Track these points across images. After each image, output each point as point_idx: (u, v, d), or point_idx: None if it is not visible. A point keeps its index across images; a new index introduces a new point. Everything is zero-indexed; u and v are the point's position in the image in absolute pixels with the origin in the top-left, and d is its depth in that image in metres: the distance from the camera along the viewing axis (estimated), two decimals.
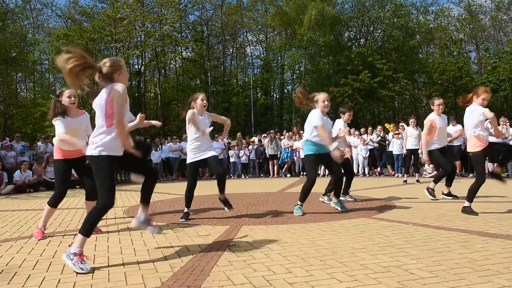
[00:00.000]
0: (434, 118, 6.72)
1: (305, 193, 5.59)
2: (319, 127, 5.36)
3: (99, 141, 3.25)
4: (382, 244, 3.71)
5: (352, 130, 15.38)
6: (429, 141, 6.76)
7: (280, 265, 3.10)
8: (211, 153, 5.29)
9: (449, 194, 6.88)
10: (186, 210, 5.38)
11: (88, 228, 3.25)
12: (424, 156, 6.95)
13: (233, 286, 2.68)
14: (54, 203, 4.61)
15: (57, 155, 4.60)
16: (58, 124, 4.41)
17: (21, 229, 5.13)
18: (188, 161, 5.35)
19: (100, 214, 3.31)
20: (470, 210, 5.19)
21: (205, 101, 5.32)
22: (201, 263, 3.23)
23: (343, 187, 6.97)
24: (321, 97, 5.65)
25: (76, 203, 7.64)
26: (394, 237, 3.99)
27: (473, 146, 5.27)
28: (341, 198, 6.87)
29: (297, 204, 5.63)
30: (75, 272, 3.05)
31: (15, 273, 3.13)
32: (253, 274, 2.90)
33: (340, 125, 6.87)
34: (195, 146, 5.26)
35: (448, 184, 6.89)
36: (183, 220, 5.24)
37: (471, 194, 5.27)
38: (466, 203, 5.27)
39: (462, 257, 3.20)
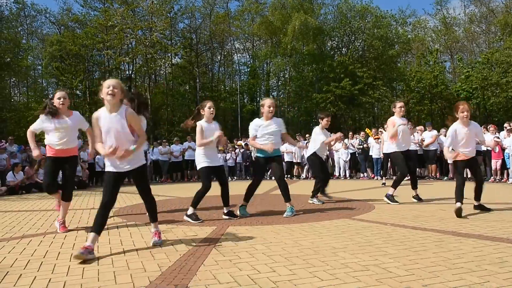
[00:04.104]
0: (395, 119, 6.78)
1: (248, 193, 5.87)
2: (250, 138, 5.72)
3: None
4: (362, 243, 3.78)
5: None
6: (391, 143, 6.84)
7: (265, 264, 3.14)
8: (220, 162, 5.57)
9: (416, 196, 7.03)
10: (193, 210, 5.34)
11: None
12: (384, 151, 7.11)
13: (219, 285, 2.70)
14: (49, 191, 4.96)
15: (48, 152, 4.81)
16: (37, 122, 4.75)
17: (13, 229, 5.07)
18: (202, 165, 5.34)
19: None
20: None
21: (212, 109, 5.38)
22: (188, 262, 3.25)
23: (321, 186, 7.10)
24: (266, 102, 5.67)
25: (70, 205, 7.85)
26: (373, 237, 4.07)
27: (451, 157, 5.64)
28: (318, 196, 7.09)
29: (242, 205, 5.79)
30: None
31: (7, 272, 3.13)
32: (238, 273, 2.95)
33: (318, 132, 7.01)
34: (204, 152, 5.33)
35: (414, 186, 7.04)
36: (200, 221, 5.21)
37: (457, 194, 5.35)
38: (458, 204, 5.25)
39: (437, 256, 3.28)
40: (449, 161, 5.50)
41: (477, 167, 5.80)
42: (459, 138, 5.42)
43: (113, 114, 3.68)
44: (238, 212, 5.73)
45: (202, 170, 5.36)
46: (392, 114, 7.05)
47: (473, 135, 5.50)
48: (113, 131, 3.67)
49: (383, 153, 11.18)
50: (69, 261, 3.42)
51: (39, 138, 16.88)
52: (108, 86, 3.64)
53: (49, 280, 2.92)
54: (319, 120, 7.21)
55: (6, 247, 4.06)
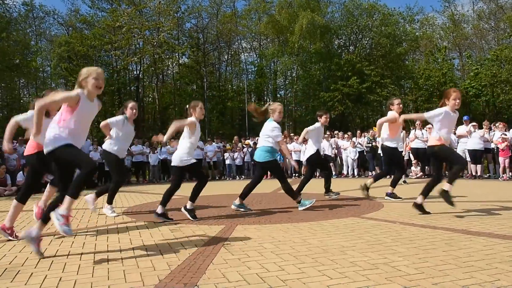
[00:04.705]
0: (395, 115, 6.77)
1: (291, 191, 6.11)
2: (282, 141, 6.02)
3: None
4: (370, 242, 3.80)
5: (341, 134, 16.47)
6: (391, 138, 6.87)
7: (274, 263, 3.16)
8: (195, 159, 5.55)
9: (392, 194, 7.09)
10: (191, 205, 5.44)
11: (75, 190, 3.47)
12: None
13: (228, 284, 2.70)
14: (21, 197, 4.55)
15: (31, 150, 4.49)
16: (26, 114, 4.45)
17: (23, 229, 5.02)
18: (192, 162, 5.37)
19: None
20: (448, 196, 5.08)
21: (203, 110, 5.51)
22: (197, 261, 3.28)
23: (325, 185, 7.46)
24: (279, 107, 6.09)
25: (76, 204, 7.42)
26: (382, 235, 4.08)
27: (434, 140, 5.32)
28: (325, 196, 7.43)
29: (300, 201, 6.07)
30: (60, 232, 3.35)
31: (18, 271, 3.17)
32: (247, 272, 2.96)
33: (317, 128, 7.27)
34: (190, 150, 5.36)
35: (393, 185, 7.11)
36: (196, 219, 5.29)
37: (452, 177, 5.19)
38: (446, 186, 5.12)
39: (446, 254, 3.29)
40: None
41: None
42: (445, 123, 5.24)
43: (92, 103, 3.69)
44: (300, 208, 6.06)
45: (193, 167, 5.40)
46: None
47: (454, 124, 5.39)
48: (88, 119, 3.72)
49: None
50: (80, 260, 3.46)
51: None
52: (97, 77, 3.59)
53: (60, 278, 2.95)
54: (318, 117, 7.44)
55: (17, 246, 4.10)
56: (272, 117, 6.10)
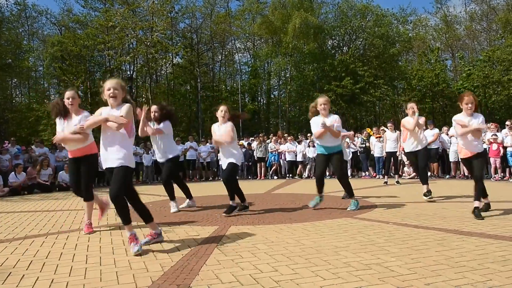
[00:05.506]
0: (408, 119, 7.15)
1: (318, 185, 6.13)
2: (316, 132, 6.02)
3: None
4: (364, 242, 3.82)
5: None
6: (407, 140, 7.16)
7: (267, 264, 3.17)
8: (225, 162, 5.86)
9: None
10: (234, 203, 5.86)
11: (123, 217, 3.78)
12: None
13: (222, 285, 2.72)
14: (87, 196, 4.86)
15: (68, 154, 4.96)
16: (57, 125, 4.79)
17: (15, 230, 5.12)
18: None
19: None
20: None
21: (223, 112, 5.87)
22: (190, 262, 3.29)
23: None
24: (319, 100, 6.05)
25: (69, 205, 7.83)
26: (375, 235, 4.11)
27: (460, 154, 5.54)
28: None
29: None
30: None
31: (10, 273, 3.15)
32: (240, 273, 2.97)
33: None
34: (220, 152, 5.95)
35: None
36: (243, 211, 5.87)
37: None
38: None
39: (439, 254, 3.31)
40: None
41: (478, 164, 5.29)
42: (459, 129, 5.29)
43: (113, 110, 3.87)
44: (310, 204, 6.16)
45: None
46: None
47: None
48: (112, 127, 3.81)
49: (385, 152, 11.44)
50: (72, 262, 3.43)
51: (41, 139, 17.09)
52: (108, 88, 3.81)
53: (52, 280, 2.93)
54: None
55: (8, 247, 4.08)
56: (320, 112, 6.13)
